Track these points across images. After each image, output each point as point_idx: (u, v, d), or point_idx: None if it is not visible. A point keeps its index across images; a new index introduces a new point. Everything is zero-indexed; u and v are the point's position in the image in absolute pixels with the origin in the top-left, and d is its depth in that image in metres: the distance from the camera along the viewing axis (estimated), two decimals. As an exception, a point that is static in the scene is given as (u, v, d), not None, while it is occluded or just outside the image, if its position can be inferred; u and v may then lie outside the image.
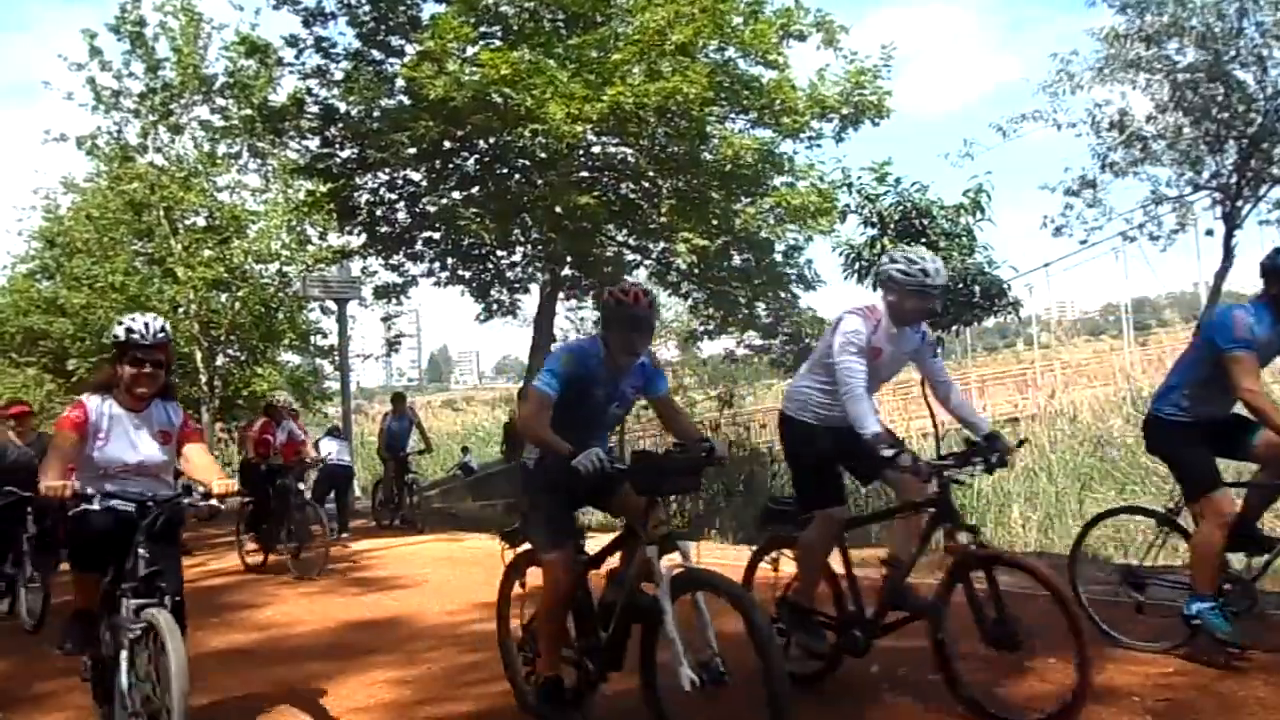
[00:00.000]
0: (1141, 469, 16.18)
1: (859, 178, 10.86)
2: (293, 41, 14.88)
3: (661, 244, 14.73)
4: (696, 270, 14.48)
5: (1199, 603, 4.33)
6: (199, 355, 20.77)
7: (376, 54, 14.69)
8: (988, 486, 14.63)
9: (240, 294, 21.08)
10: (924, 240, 10.06)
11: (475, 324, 38.49)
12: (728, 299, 15.02)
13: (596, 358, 4.08)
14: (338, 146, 15.00)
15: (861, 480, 4.88)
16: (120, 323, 4.21)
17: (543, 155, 13.30)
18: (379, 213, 15.38)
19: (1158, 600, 4.74)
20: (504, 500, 19.23)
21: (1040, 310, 32.77)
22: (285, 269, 21.71)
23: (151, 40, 19.71)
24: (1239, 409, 4.45)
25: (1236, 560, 4.65)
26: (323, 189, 15.57)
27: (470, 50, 13.09)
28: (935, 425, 11.24)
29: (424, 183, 14.99)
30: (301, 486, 9.90)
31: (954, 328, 10.98)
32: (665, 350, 37.58)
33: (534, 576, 4.34)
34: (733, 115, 14.28)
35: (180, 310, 20.31)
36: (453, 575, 9.23)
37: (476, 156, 14.59)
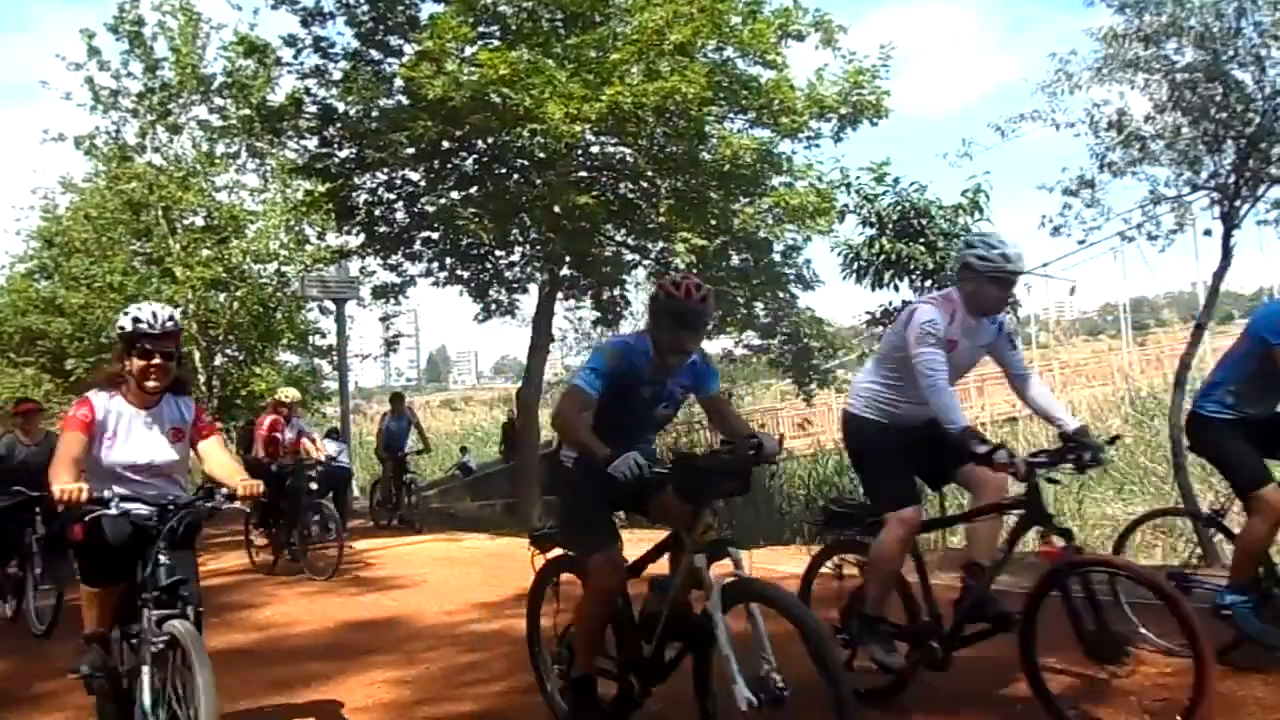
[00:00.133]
0: (1140, 469, 16.23)
1: (857, 178, 10.86)
2: (291, 41, 14.87)
3: (660, 244, 14.71)
4: (695, 270, 14.46)
5: (1232, 595, 4.24)
6: (197, 355, 20.76)
7: (375, 54, 14.67)
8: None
9: (238, 294, 21.08)
10: (922, 240, 10.07)
11: (474, 324, 38.42)
12: (726, 299, 14.99)
13: (644, 355, 3.83)
14: (336, 146, 14.98)
15: (931, 484, 4.61)
16: (126, 313, 3.94)
17: (541, 155, 13.29)
18: (377, 212, 15.36)
19: (1202, 605, 4.53)
20: (503, 500, 19.26)
21: (1039, 310, 32.82)
22: (283, 269, 21.71)
23: (150, 40, 19.72)
24: None
25: None
26: (321, 189, 15.55)
27: (469, 50, 13.08)
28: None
29: (422, 182, 14.97)
30: (314, 486, 9.74)
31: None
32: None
33: (568, 583, 4.19)
34: (731, 115, 14.27)
35: (178, 310, 20.26)
36: (451, 575, 9.25)
37: (475, 156, 14.57)
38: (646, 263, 15.92)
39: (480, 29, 13.54)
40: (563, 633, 4.20)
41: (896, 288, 10.40)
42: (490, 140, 13.86)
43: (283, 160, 19.12)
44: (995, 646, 4.03)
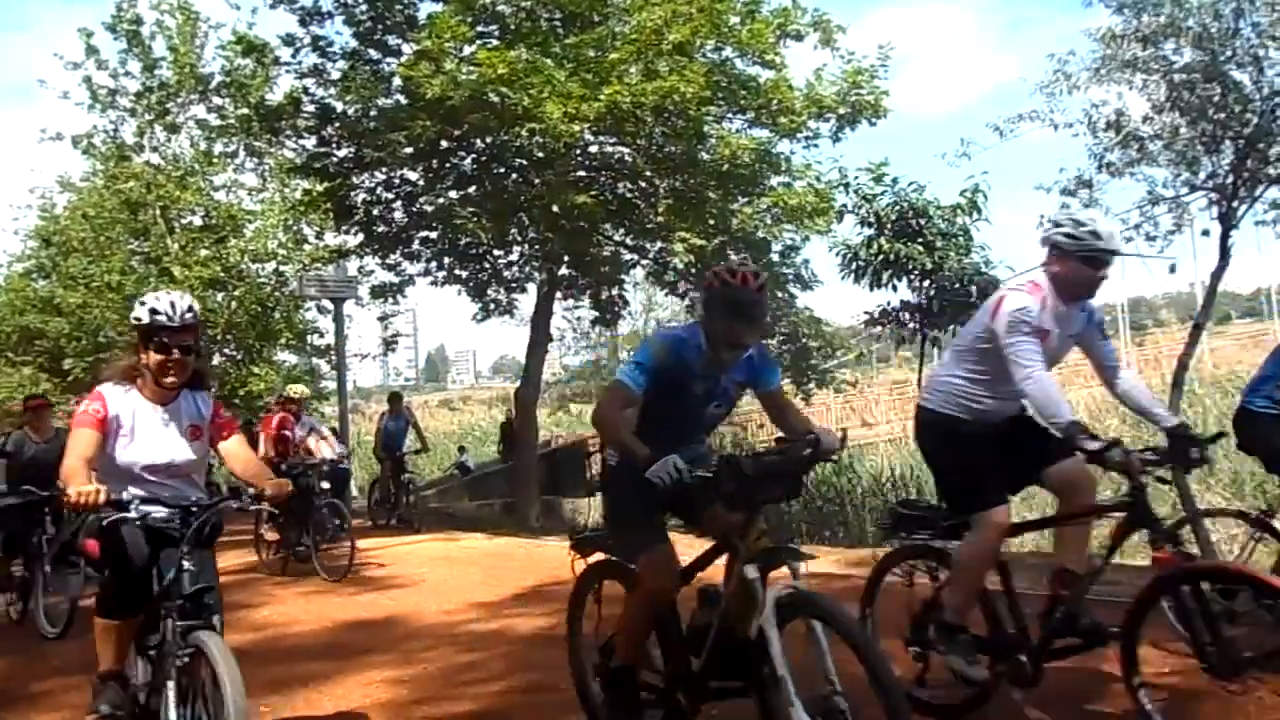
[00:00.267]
0: (1138, 469, 16.20)
1: (856, 178, 10.89)
2: (289, 40, 14.87)
3: (659, 243, 14.72)
4: (693, 270, 14.47)
5: None
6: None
7: (373, 53, 14.67)
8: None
9: (237, 293, 21.06)
10: (920, 240, 10.08)
11: (472, 323, 38.45)
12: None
13: (695, 348, 3.52)
14: (334, 146, 14.98)
15: (1010, 487, 4.11)
16: (143, 303, 3.66)
17: (540, 155, 13.30)
18: (376, 212, 15.36)
19: (1247, 607, 4.22)
20: (501, 500, 19.26)
21: (1037, 310, 32.79)
22: (282, 268, 21.70)
23: (148, 39, 19.70)
24: None
25: None
26: (319, 188, 15.56)
27: (467, 49, 13.08)
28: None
29: (421, 182, 14.98)
30: (326, 485, 9.49)
31: (950, 327, 11.01)
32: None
33: (611, 589, 3.97)
34: (730, 115, 14.28)
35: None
36: (450, 575, 9.24)
37: (473, 156, 14.57)
38: (645, 262, 15.93)
39: (479, 28, 13.55)
40: (605, 641, 3.89)
41: (895, 288, 10.43)
42: (489, 140, 13.86)
43: (281, 159, 19.13)
44: (1087, 659, 3.77)
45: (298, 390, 10.92)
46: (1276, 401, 4.33)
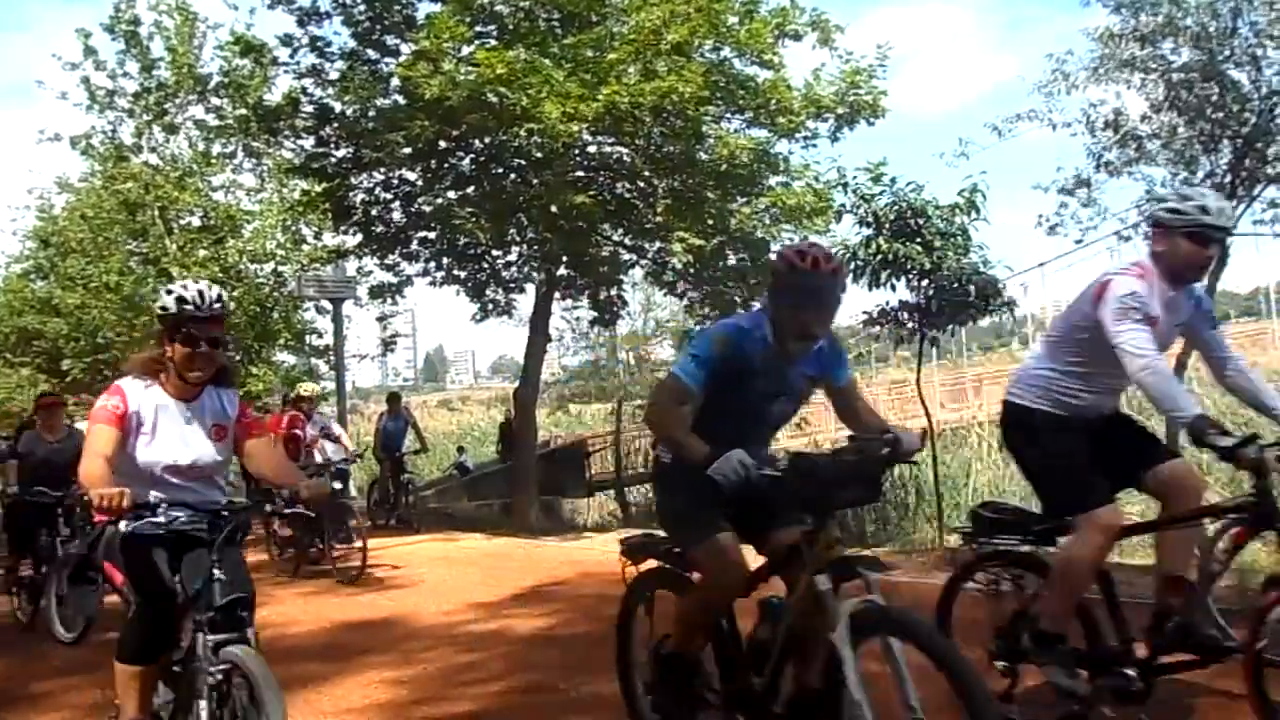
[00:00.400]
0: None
1: (854, 177, 10.86)
2: (287, 41, 14.85)
3: (657, 243, 14.71)
4: (692, 270, 14.48)
5: None
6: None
7: (371, 53, 14.66)
8: (982, 484, 14.66)
9: (235, 294, 20.98)
10: (919, 240, 10.07)
11: (471, 324, 38.43)
12: (723, 298, 15.00)
13: (759, 340, 3.20)
14: (333, 146, 14.97)
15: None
16: (169, 291, 3.43)
17: (538, 155, 13.29)
18: (374, 212, 15.35)
19: None
20: (500, 500, 19.25)
21: (1035, 309, 32.84)
22: (280, 269, 21.68)
23: (146, 40, 19.67)
24: None
25: None
26: (318, 188, 15.54)
27: (465, 50, 13.07)
28: (931, 425, 11.25)
29: (419, 182, 14.96)
30: (338, 485, 9.36)
31: (949, 327, 11.00)
32: (661, 350, 37.71)
33: (664, 601, 3.69)
34: (728, 115, 14.27)
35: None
36: (449, 575, 9.25)
37: (472, 156, 14.56)
38: (644, 262, 15.93)
39: (477, 28, 13.53)
40: (656, 654, 3.56)
41: (893, 288, 10.40)
42: (487, 140, 13.85)
43: (279, 160, 19.10)
44: (1202, 674, 3.49)
45: (309, 389, 10.80)
46: None
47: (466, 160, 14.65)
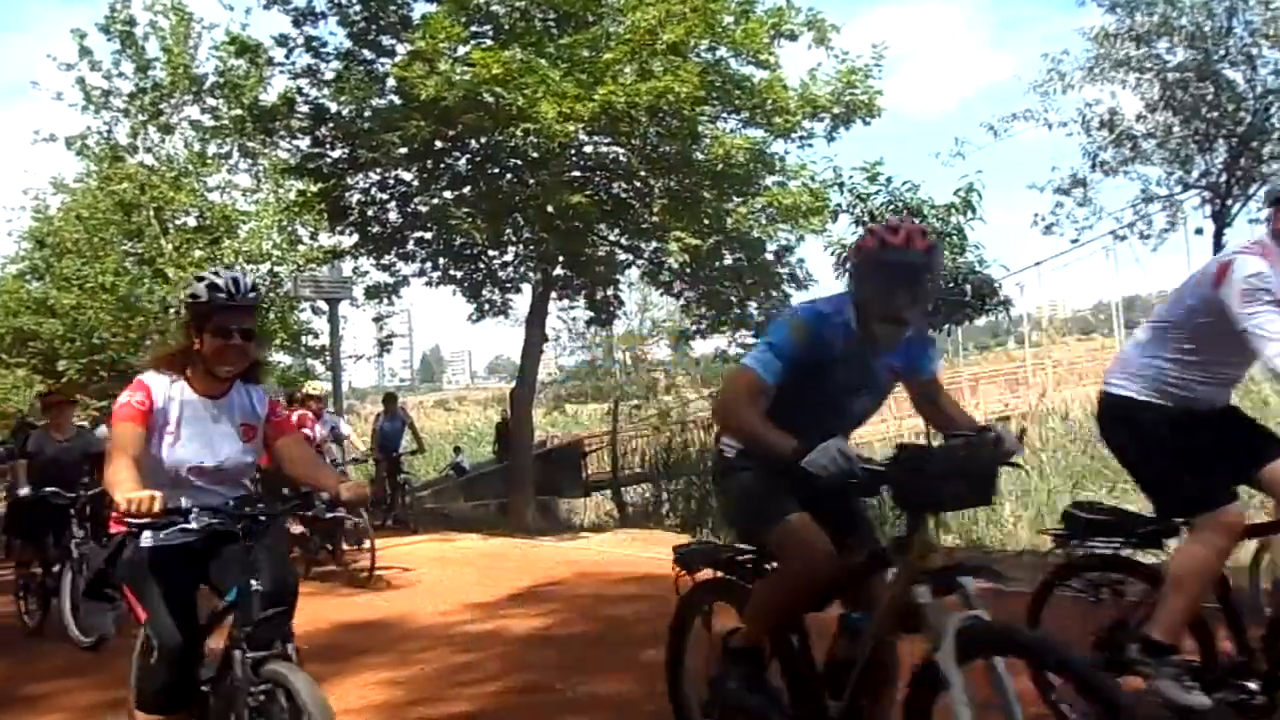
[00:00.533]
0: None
1: (850, 177, 10.91)
2: (283, 41, 14.83)
3: (653, 243, 14.71)
4: (688, 270, 14.48)
5: None
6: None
7: (367, 53, 14.65)
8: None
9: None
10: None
11: (467, 324, 38.40)
12: (720, 298, 15.02)
13: (841, 327, 2.89)
14: (329, 146, 14.95)
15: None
16: (200, 278, 3.17)
17: (534, 155, 13.29)
18: (370, 213, 15.34)
19: None
20: (497, 500, 19.26)
21: (1031, 309, 32.90)
22: (276, 269, 21.65)
23: (141, 40, 19.63)
24: None
25: None
26: (314, 189, 15.53)
27: (461, 50, 13.06)
28: (928, 425, 11.26)
29: (415, 182, 14.96)
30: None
31: (945, 326, 11.02)
32: (658, 350, 37.70)
33: (724, 615, 3.37)
34: (724, 115, 14.28)
35: (171, 311, 20.23)
36: (445, 575, 9.24)
37: (468, 156, 14.56)
38: (640, 262, 15.93)
39: (473, 28, 13.53)
40: (724, 650, 3.25)
41: (889, 287, 10.44)
42: (483, 140, 13.85)
43: (275, 160, 19.08)
44: None
45: (318, 388, 10.76)
46: None
47: (462, 160, 14.64)
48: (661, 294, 20.49)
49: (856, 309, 2.88)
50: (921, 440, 9.82)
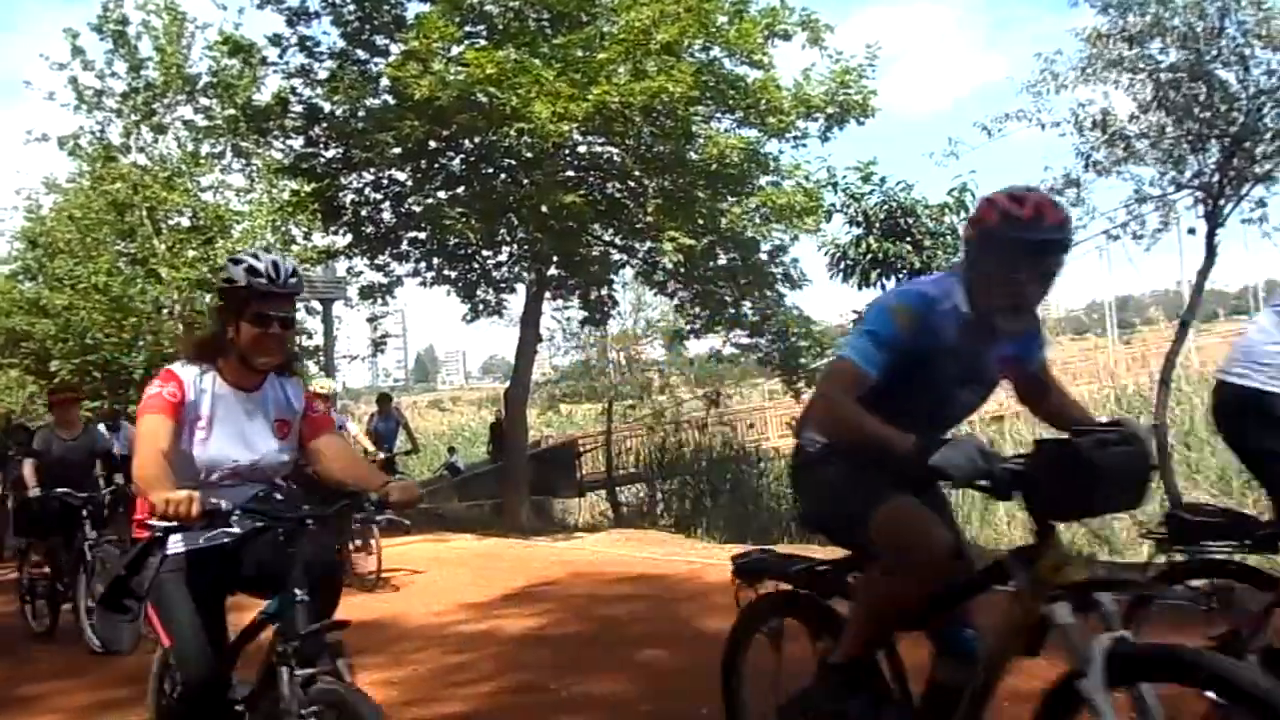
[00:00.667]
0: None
1: (844, 177, 10.92)
2: (276, 41, 14.82)
3: (648, 243, 14.72)
4: (682, 269, 14.49)
5: None
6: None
7: (361, 53, 14.64)
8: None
9: (224, 295, 20.97)
10: (909, 239, 10.12)
11: (461, 324, 38.31)
12: (714, 298, 15.03)
13: (950, 311, 2.53)
14: (322, 146, 14.94)
15: None
16: (237, 261, 2.87)
17: (528, 155, 13.29)
18: (364, 213, 15.33)
19: None
20: (491, 500, 19.24)
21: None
22: (270, 269, 21.59)
23: (134, 39, 19.57)
24: None
25: None
26: (307, 189, 15.51)
27: (455, 50, 13.05)
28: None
29: (409, 182, 14.95)
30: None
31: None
32: (652, 349, 37.73)
33: (788, 633, 3.01)
34: (718, 115, 14.30)
35: (164, 311, 20.21)
36: (439, 576, 9.23)
37: (462, 156, 14.56)
38: (634, 262, 15.94)
39: (467, 28, 13.53)
40: (790, 702, 2.83)
41: (883, 286, 10.46)
42: (477, 140, 13.84)
43: (268, 160, 19.05)
44: None
45: (325, 386, 10.68)
46: None
47: (456, 160, 14.64)
48: (656, 294, 20.51)
49: (968, 292, 2.53)
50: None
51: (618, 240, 15.51)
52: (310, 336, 23.19)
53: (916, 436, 2.32)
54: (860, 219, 10.42)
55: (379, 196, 15.30)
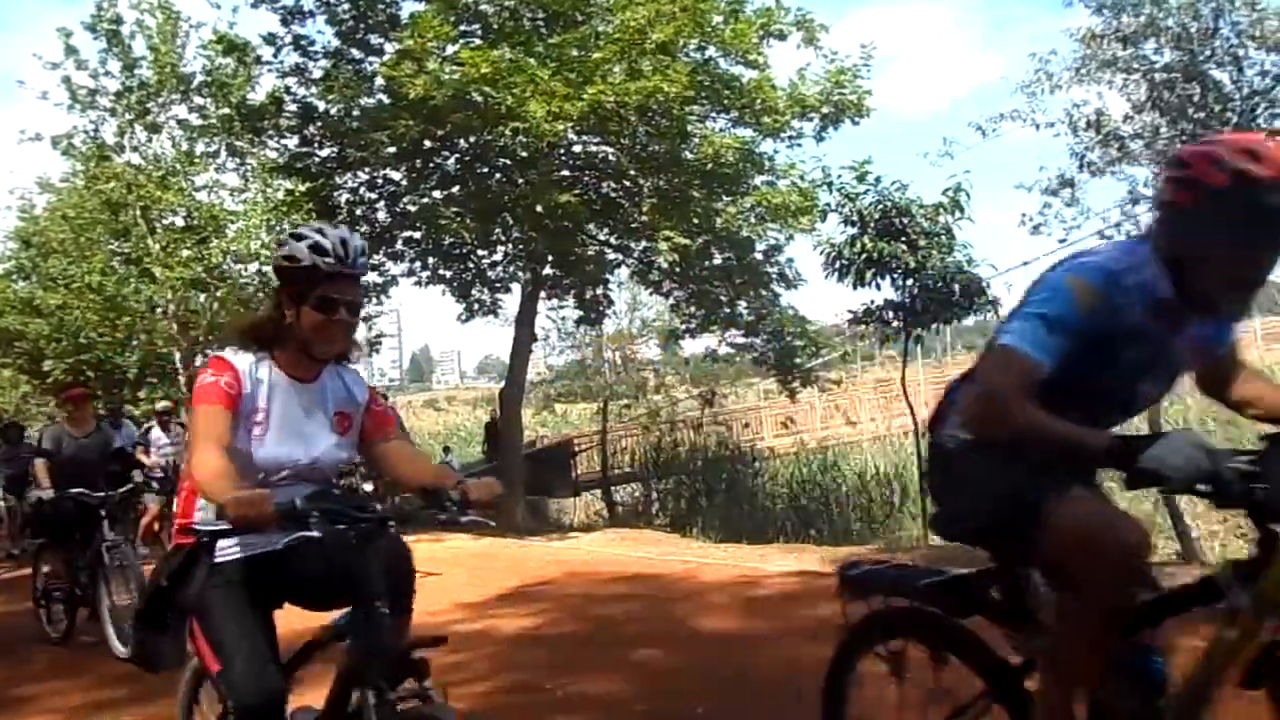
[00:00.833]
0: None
1: (839, 177, 10.92)
2: (271, 40, 14.82)
3: (643, 243, 14.74)
4: (678, 269, 14.50)
5: None
6: (178, 356, 20.61)
7: (356, 52, 14.63)
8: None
9: (219, 294, 20.87)
10: (904, 239, 10.12)
11: (457, 323, 38.23)
12: (709, 297, 15.04)
13: (1139, 290, 2.07)
14: (317, 145, 14.94)
15: None
16: (300, 236, 2.51)
17: (523, 154, 13.28)
18: (359, 212, 15.32)
19: None
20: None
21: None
22: (265, 269, 21.53)
23: (128, 38, 19.50)
24: None
25: None
26: (302, 188, 15.50)
27: (450, 49, 13.06)
28: (915, 422, 11.30)
29: (404, 182, 14.95)
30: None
31: (933, 326, 11.06)
32: (647, 349, 37.72)
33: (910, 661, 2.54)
34: (713, 114, 14.31)
35: (158, 310, 20.16)
36: (435, 576, 9.21)
37: (457, 155, 14.55)
38: (629, 262, 15.94)
39: (461, 28, 13.52)
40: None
41: (878, 286, 10.47)
42: (472, 139, 13.84)
43: (263, 159, 18.99)
44: None
45: None
46: None
47: (451, 160, 14.64)
48: (651, 293, 20.51)
49: (1168, 268, 2.07)
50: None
51: (613, 240, 15.51)
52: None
53: (1111, 435, 1.98)
54: (855, 219, 10.41)
55: (374, 196, 15.30)
